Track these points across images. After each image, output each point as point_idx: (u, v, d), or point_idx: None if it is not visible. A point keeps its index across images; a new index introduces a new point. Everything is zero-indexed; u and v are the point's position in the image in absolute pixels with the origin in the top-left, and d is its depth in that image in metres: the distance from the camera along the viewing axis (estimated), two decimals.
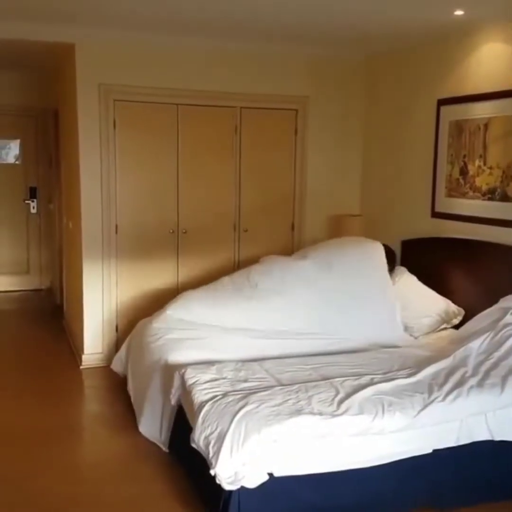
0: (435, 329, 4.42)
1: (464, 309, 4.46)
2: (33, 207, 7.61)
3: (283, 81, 5.45)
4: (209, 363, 3.63)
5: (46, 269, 7.81)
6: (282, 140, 5.58)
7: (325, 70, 5.59)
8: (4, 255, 7.74)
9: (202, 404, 3.08)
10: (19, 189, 7.67)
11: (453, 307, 4.49)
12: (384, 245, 4.66)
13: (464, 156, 4.61)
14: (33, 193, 7.64)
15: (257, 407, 2.98)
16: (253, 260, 4.85)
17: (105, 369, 4.98)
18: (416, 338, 4.35)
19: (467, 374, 3.38)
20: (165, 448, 3.74)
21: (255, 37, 4.98)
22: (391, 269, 4.68)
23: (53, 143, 6.96)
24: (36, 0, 4.05)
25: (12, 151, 7.96)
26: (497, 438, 3.21)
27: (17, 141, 7.83)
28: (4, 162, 7.88)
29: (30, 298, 7.06)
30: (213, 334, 4.07)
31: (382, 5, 3.96)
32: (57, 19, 4.53)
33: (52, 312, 6.90)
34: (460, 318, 4.43)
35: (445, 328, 4.43)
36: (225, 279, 4.60)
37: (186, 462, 3.40)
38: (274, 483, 2.85)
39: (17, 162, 7.89)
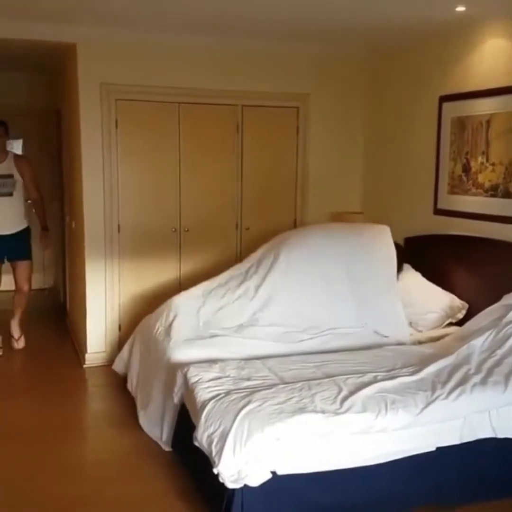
0: (440, 325, 4.42)
1: None
2: None
3: (284, 79, 5.44)
4: (212, 361, 3.63)
5: (49, 268, 7.81)
6: (283, 137, 5.57)
7: (327, 67, 5.58)
8: None
9: (205, 403, 3.08)
10: None
11: (457, 301, 4.49)
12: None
13: (467, 152, 4.60)
14: None
15: (260, 405, 2.97)
16: None
17: (108, 368, 4.98)
18: (420, 332, 4.36)
19: (470, 372, 3.37)
20: (165, 447, 3.74)
21: (256, 35, 4.97)
22: (399, 265, 4.64)
23: (55, 143, 6.97)
24: (37, 0, 4.05)
25: (14, 150, 7.95)
26: (501, 435, 3.20)
27: (20, 141, 7.83)
28: None
29: (34, 297, 7.05)
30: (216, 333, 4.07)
31: (383, 1, 3.95)
32: (59, 19, 4.53)
33: (56, 311, 6.91)
34: (464, 312, 4.43)
35: (450, 323, 4.43)
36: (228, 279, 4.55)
37: (189, 461, 3.40)
38: (277, 482, 2.84)
39: None
